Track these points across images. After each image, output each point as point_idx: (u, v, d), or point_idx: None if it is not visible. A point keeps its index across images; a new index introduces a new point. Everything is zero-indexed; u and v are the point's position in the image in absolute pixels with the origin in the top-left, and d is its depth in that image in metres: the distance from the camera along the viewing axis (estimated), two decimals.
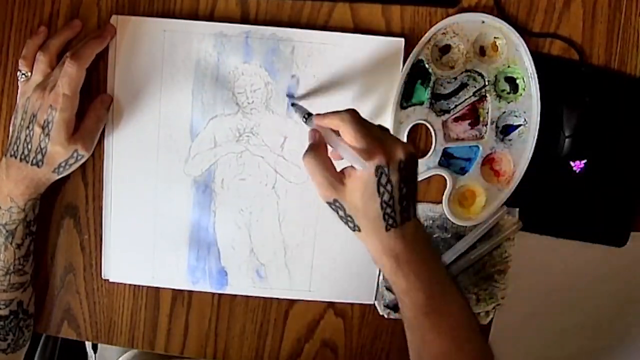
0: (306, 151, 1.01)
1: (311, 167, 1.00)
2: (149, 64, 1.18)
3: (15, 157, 1.11)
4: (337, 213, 1.01)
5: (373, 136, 0.98)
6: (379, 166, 0.95)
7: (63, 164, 1.13)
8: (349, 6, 1.19)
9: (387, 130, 1.03)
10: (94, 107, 1.16)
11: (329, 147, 1.03)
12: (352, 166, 0.98)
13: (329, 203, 1.01)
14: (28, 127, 1.10)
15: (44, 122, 1.09)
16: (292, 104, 1.18)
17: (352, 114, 0.99)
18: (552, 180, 1.25)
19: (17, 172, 1.11)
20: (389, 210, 0.97)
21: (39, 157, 1.10)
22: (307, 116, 1.09)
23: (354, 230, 1.02)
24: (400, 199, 0.97)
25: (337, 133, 1.01)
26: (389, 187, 0.96)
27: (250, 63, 1.18)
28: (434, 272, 1.02)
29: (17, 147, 1.11)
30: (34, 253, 1.20)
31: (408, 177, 0.98)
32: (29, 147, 1.10)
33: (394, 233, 0.98)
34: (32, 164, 1.11)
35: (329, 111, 1.03)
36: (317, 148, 1.02)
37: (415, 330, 1.04)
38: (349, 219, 1.00)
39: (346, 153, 0.97)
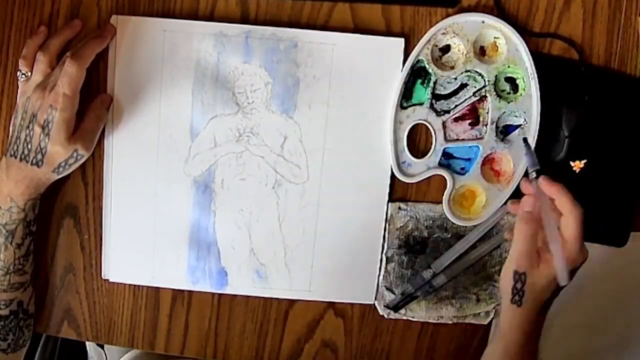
0: (524, 218, 1.07)
1: (523, 235, 1.06)
2: (149, 64, 1.18)
3: (15, 157, 1.11)
4: (514, 283, 1.07)
5: (582, 241, 1.05)
6: (574, 270, 1.05)
7: (63, 164, 1.13)
8: (349, 6, 1.19)
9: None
10: (94, 107, 1.16)
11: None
12: (548, 250, 1.05)
13: (515, 272, 1.06)
14: (28, 127, 1.10)
15: (44, 121, 1.09)
16: (527, 150, 1.16)
17: (582, 213, 1.04)
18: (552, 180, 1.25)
19: (17, 172, 1.11)
20: (550, 302, 1.09)
21: (39, 157, 1.10)
22: (537, 173, 1.10)
23: (512, 303, 1.08)
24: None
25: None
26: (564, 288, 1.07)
27: (250, 63, 1.18)
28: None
29: (17, 147, 1.11)
30: (34, 253, 1.20)
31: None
32: (29, 147, 1.10)
33: (538, 318, 1.10)
34: (32, 164, 1.11)
35: (561, 190, 1.06)
36: (535, 221, 1.06)
37: None
38: (521, 293, 1.07)
39: (559, 242, 1.04)
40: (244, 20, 1.19)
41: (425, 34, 1.17)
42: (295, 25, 1.19)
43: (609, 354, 1.38)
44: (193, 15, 1.19)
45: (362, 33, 1.19)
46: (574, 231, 1.03)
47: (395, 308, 1.27)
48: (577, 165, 1.24)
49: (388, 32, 1.20)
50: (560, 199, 1.05)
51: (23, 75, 1.15)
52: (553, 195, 1.06)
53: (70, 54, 1.10)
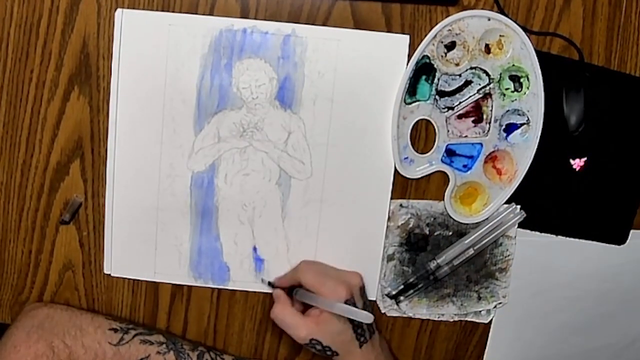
0: (273, 308, 1.19)
1: (281, 318, 1.17)
2: (153, 58, 1.17)
3: None
4: (315, 349, 1.16)
5: (330, 276, 1.19)
6: (347, 300, 1.14)
7: None
8: (349, 4, 1.18)
9: (334, 268, 1.24)
10: None
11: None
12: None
13: (305, 344, 1.16)
14: None
15: None
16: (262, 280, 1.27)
17: (305, 263, 1.22)
18: (553, 178, 1.25)
19: None
20: (359, 330, 1.17)
21: None
22: (270, 284, 1.26)
23: (331, 356, 1.18)
24: None
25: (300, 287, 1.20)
26: None
27: (255, 58, 1.17)
28: None
29: None
30: None
31: (366, 298, 1.22)
32: None
33: (366, 347, 1.18)
34: None
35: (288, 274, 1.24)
36: (282, 301, 1.19)
37: None
38: (327, 349, 1.16)
39: (328, 306, 1.14)
40: (244, 17, 1.18)
41: (426, 32, 1.17)
42: (295, 23, 1.18)
43: (609, 353, 1.39)
44: (193, 11, 1.18)
45: (362, 30, 1.19)
46: (311, 277, 1.18)
47: (396, 297, 1.27)
48: (577, 163, 1.24)
49: (388, 30, 1.19)
50: (291, 277, 1.22)
51: None
52: (289, 282, 1.23)
53: None
